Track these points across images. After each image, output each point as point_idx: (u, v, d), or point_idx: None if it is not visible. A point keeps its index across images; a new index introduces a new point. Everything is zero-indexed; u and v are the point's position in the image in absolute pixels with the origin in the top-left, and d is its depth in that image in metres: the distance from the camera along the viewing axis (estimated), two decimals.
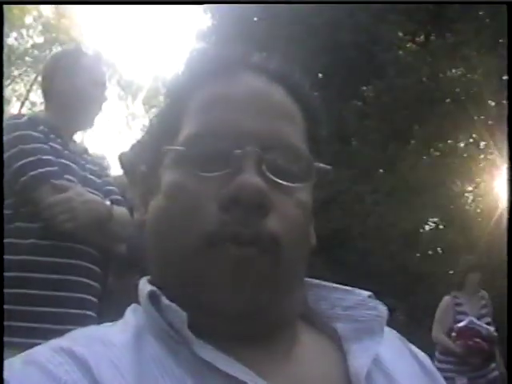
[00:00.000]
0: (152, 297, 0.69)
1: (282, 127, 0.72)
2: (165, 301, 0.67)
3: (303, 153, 0.73)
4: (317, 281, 0.81)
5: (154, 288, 0.69)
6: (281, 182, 0.69)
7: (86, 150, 2.38)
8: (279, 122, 0.72)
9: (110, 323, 0.73)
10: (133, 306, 0.75)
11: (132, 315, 0.73)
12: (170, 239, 0.69)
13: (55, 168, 2.03)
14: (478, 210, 8.80)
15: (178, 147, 0.71)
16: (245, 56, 0.78)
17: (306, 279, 0.79)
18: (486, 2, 7.63)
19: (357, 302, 0.76)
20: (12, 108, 18.94)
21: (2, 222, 1.96)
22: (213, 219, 0.66)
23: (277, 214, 0.67)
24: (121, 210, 2.09)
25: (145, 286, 0.73)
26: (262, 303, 0.67)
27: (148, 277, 0.75)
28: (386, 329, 0.77)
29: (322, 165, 0.74)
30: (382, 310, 0.75)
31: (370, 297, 0.76)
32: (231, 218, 0.66)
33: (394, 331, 0.84)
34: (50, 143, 2.10)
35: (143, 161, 0.81)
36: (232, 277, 0.65)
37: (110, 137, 19.77)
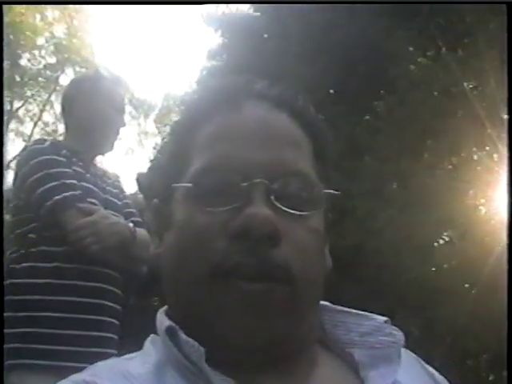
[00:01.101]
0: (170, 331, 0.70)
1: (289, 155, 0.72)
2: (182, 336, 0.68)
3: (312, 179, 0.73)
4: (333, 305, 0.81)
5: (172, 323, 0.70)
6: (290, 211, 0.69)
7: (105, 173, 2.40)
8: (285, 150, 0.72)
9: (131, 355, 0.74)
10: (151, 337, 0.76)
11: (151, 347, 0.74)
12: (182, 273, 0.70)
13: (79, 192, 2.05)
14: (493, 222, 8.74)
15: (185, 184, 0.72)
16: (247, 85, 0.79)
17: (322, 303, 0.79)
18: (487, 2, 7.62)
19: (373, 328, 0.76)
20: (25, 128, 19.09)
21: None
22: (222, 252, 0.67)
23: (288, 243, 0.68)
24: (142, 232, 2.11)
25: (162, 318, 0.73)
26: (277, 335, 0.68)
27: (165, 307, 0.76)
28: (403, 350, 0.76)
29: (331, 191, 0.74)
30: (399, 336, 0.75)
31: (386, 322, 0.76)
32: (240, 250, 0.66)
33: (411, 352, 0.83)
34: (73, 167, 2.13)
35: (155, 195, 0.82)
36: (244, 312, 0.66)
37: (123, 155, 19.84)
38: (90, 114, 2.24)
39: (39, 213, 2.02)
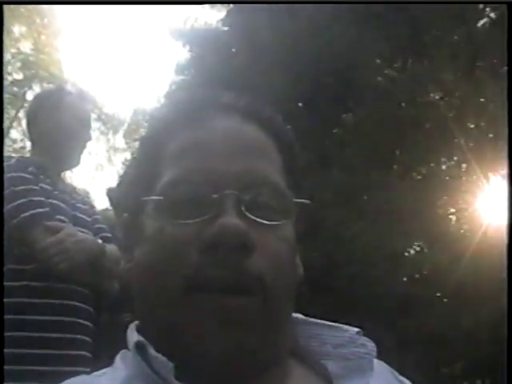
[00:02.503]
0: (139, 347, 0.69)
1: (258, 165, 0.72)
2: (151, 351, 0.67)
3: (282, 189, 0.73)
4: (306, 318, 0.80)
5: (141, 338, 0.69)
6: (262, 221, 0.69)
7: (74, 189, 2.38)
8: (254, 160, 0.72)
9: (101, 371, 0.74)
10: (121, 352, 0.75)
11: (121, 363, 0.73)
12: (153, 287, 0.70)
13: (46, 209, 2.03)
14: (462, 231, 8.85)
15: (155, 197, 0.71)
16: (214, 97, 0.79)
17: (295, 316, 0.79)
18: (486, 2, 7.77)
19: (347, 340, 0.76)
20: None
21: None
22: (192, 263, 0.66)
23: (261, 253, 0.67)
24: (112, 248, 2.09)
25: (132, 334, 0.73)
26: (250, 346, 0.67)
27: (136, 322, 0.76)
28: (376, 362, 0.77)
29: (300, 200, 0.74)
30: (370, 347, 0.75)
31: (358, 333, 0.76)
32: (212, 262, 0.66)
33: (384, 364, 0.83)
34: (40, 184, 2.10)
35: (125, 209, 0.81)
36: (216, 323, 0.65)
37: (93, 171, 19.73)
38: (55, 127, 2.22)
39: (6, 231, 1.99)
